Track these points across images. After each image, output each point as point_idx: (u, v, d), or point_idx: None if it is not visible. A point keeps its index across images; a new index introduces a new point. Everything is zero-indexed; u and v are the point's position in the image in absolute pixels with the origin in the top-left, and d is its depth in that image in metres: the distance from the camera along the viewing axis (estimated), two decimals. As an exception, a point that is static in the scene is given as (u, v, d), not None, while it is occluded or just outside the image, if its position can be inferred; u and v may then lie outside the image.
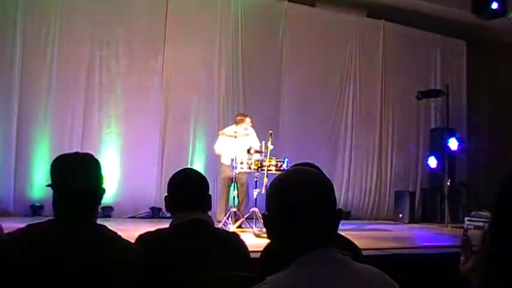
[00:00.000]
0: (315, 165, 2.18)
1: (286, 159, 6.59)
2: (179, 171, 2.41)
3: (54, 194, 1.90)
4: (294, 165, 2.22)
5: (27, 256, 1.72)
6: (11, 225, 1.85)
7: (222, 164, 7.12)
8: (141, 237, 2.20)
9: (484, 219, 7.19)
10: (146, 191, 8.21)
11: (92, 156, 1.99)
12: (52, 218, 1.89)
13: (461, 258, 3.89)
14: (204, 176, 2.42)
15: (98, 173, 1.95)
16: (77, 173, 1.89)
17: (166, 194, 2.35)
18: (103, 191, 1.96)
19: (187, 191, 2.30)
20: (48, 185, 1.90)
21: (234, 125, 7.08)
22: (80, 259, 1.76)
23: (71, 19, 7.94)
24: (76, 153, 1.99)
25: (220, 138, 7.17)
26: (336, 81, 10.08)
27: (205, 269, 2.00)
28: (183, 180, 2.36)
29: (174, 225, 2.26)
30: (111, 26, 8.22)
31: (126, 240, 1.96)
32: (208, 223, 2.30)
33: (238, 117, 7.13)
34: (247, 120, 7.04)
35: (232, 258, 2.16)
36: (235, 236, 2.44)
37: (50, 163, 1.94)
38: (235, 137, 6.67)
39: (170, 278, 1.95)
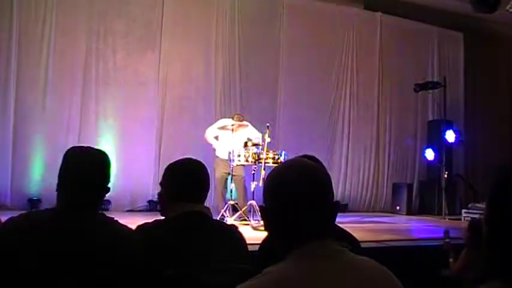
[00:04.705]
0: (314, 157, 2.17)
1: (283, 152, 6.59)
2: (179, 160, 2.35)
3: (62, 181, 1.94)
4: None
5: (28, 237, 1.77)
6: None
7: (217, 157, 7.07)
8: (139, 228, 2.19)
9: (481, 211, 7.21)
10: (144, 184, 8.21)
11: (105, 154, 2.10)
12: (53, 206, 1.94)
13: (450, 260, 3.91)
14: (204, 165, 2.36)
15: (107, 171, 2.07)
16: (93, 166, 2.00)
17: (160, 181, 2.31)
18: (107, 190, 2.06)
19: (188, 180, 2.26)
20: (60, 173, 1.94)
21: (231, 119, 7.02)
22: (80, 244, 1.80)
23: (67, 11, 7.89)
24: (91, 147, 2.08)
25: (214, 129, 7.10)
26: (333, 73, 10.06)
27: (203, 262, 1.99)
28: (185, 170, 2.31)
29: (172, 216, 2.22)
30: (108, 19, 8.18)
31: (125, 225, 2.02)
32: (207, 215, 2.28)
33: (236, 117, 7.00)
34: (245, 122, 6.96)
35: (231, 251, 2.15)
36: (234, 228, 2.40)
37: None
38: (233, 130, 6.65)
39: (167, 270, 1.94)
